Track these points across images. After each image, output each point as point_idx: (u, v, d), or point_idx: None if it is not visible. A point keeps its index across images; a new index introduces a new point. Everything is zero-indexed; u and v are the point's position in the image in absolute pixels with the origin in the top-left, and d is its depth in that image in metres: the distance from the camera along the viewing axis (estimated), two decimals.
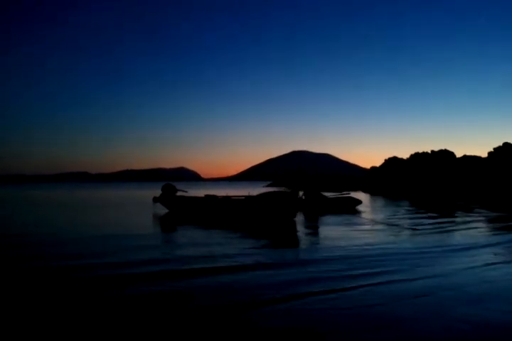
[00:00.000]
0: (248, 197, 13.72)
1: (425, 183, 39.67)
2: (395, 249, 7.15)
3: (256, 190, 49.45)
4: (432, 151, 44.14)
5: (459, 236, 8.93)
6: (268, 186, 69.14)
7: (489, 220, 12.76)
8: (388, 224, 10.98)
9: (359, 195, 35.70)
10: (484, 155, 43.57)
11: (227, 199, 14.13)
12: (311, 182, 18.15)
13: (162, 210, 15.32)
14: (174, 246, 8.00)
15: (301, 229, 10.57)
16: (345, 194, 18.22)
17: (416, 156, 45.06)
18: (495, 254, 6.71)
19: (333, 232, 9.67)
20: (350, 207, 16.90)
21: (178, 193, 15.68)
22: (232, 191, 45.17)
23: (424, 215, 14.41)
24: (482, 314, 3.72)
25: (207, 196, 14.69)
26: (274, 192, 13.05)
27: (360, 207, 17.16)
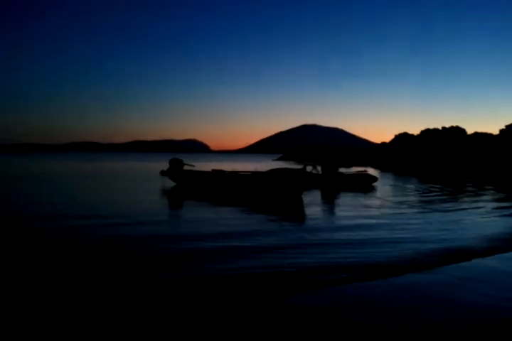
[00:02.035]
0: (255, 173, 13.73)
1: (435, 160, 39.38)
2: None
3: (265, 163, 49.52)
4: (443, 128, 43.63)
5: (467, 222, 8.25)
6: (278, 160, 69.07)
7: (497, 201, 12.70)
8: (399, 203, 10.94)
9: (369, 170, 35.69)
10: (496, 132, 43.06)
11: (234, 174, 14.17)
12: (330, 157, 17.88)
13: (170, 184, 15.41)
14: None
15: (311, 208, 10.54)
16: (363, 171, 18.04)
17: (426, 132, 44.59)
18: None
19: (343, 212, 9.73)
20: (367, 184, 16.80)
21: (185, 167, 15.73)
22: (241, 164, 45.32)
23: (432, 194, 14.30)
24: None
25: (214, 171, 14.77)
26: (282, 168, 13.05)
27: (375, 184, 17.08)
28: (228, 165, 41.02)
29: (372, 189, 15.64)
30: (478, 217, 8.82)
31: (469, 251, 5.56)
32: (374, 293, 3.98)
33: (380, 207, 10.22)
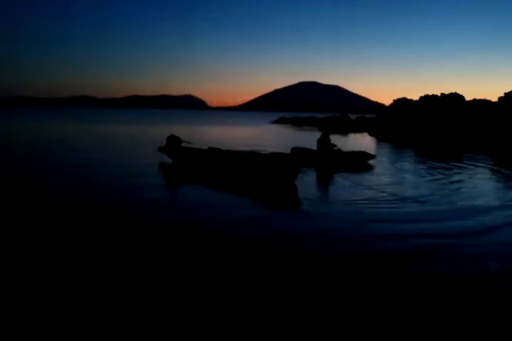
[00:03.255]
0: (250, 154, 13.81)
1: (433, 129, 39.36)
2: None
3: (262, 128, 49.40)
4: (442, 94, 43.29)
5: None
6: (275, 123, 68.86)
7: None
8: (390, 194, 10.90)
9: (365, 138, 35.82)
10: (495, 99, 42.60)
11: (229, 153, 14.25)
12: (326, 130, 17.63)
13: (167, 161, 15.52)
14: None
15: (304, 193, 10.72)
16: (360, 150, 17.75)
17: (425, 99, 44.23)
18: None
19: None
20: (363, 162, 16.83)
21: (183, 144, 15.80)
22: (238, 129, 45.28)
23: (426, 175, 14.17)
24: None
25: (210, 148, 14.89)
26: (279, 153, 13.21)
27: (372, 162, 17.06)
28: (225, 130, 41.34)
29: (369, 168, 15.69)
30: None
31: None
32: None
33: (380, 201, 9.61)
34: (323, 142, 17.00)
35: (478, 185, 12.48)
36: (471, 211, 8.83)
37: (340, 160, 16.58)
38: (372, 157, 17.17)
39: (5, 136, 26.34)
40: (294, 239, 6.48)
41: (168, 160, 15.49)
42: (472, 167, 16.70)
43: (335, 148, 17.04)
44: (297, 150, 17.38)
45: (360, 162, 16.79)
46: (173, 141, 15.51)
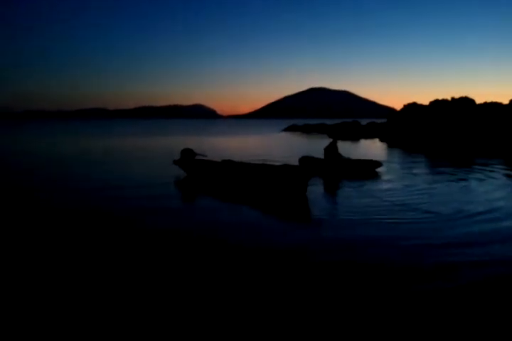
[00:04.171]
0: (263, 166, 14.07)
1: (444, 133, 39.31)
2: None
3: (272, 137, 49.55)
4: (452, 98, 43.26)
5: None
6: (285, 130, 69.19)
7: None
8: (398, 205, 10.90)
9: (375, 144, 35.88)
10: (506, 101, 42.45)
11: (242, 165, 14.50)
12: (334, 139, 17.81)
13: (182, 173, 15.82)
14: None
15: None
16: (368, 159, 17.89)
17: (436, 103, 44.24)
18: None
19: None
20: (371, 170, 16.95)
21: (198, 157, 16.08)
22: (248, 138, 45.52)
23: (444, 186, 13.47)
24: None
25: (223, 161, 15.16)
26: (291, 165, 13.44)
27: (380, 170, 17.06)
28: (236, 140, 41.53)
29: (378, 176, 15.75)
30: None
31: None
32: None
33: (400, 218, 9.08)
34: (330, 150, 17.24)
35: (504, 197, 11.51)
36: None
37: (347, 169, 16.75)
38: (380, 165, 17.22)
39: (13, 151, 26.75)
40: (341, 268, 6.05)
41: (183, 174, 15.77)
42: (489, 174, 16.17)
43: (342, 157, 17.27)
44: (305, 160, 17.61)
45: (368, 170, 16.89)
46: (188, 153, 15.82)
